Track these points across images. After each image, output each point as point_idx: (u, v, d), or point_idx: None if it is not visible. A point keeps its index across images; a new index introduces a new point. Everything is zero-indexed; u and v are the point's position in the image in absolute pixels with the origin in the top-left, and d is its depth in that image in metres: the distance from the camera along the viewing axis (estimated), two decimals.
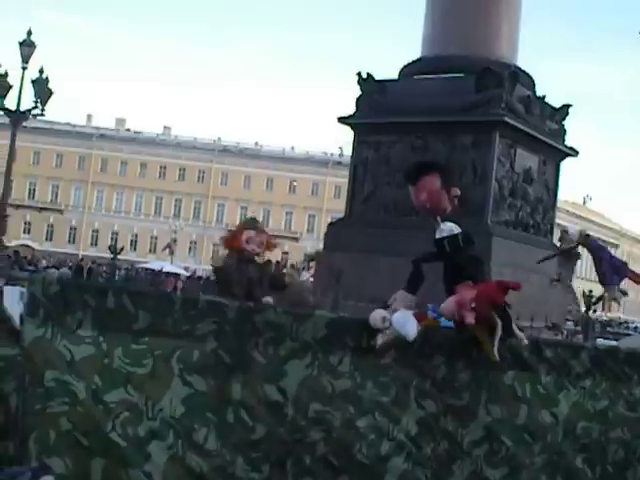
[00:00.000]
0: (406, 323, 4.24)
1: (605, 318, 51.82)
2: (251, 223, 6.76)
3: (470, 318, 4.33)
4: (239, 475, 3.93)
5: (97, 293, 3.85)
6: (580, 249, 6.27)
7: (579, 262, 21.91)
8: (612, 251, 5.83)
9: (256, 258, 6.48)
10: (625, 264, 6.19)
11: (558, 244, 6.09)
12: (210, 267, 6.42)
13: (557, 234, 25.86)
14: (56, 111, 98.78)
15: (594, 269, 6.01)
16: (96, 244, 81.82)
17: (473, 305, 4.35)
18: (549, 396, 4.53)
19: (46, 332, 3.73)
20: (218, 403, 3.92)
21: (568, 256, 6.13)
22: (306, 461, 4.04)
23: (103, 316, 3.79)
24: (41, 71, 23.39)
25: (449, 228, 4.83)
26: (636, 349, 5.19)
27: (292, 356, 4.04)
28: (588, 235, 6.13)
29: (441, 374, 4.32)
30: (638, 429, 4.75)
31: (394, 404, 4.19)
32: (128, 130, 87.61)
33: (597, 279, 6.02)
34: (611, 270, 5.96)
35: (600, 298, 7.71)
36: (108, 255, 50.15)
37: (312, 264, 21.16)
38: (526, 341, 4.41)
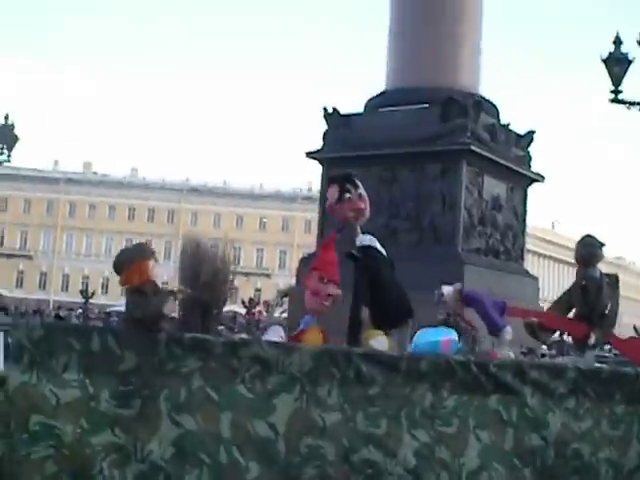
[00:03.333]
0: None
1: None
2: (151, 252, 6.34)
3: (332, 289, 4.49)
4: None
5: (82, 335, 3.83)
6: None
7: (541, 284, 22.01)
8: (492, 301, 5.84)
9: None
10: (504, 302, 6.28)
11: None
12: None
13: (528, 260, 25.80)
14: (23, 157, 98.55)
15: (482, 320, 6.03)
16: (67, 289, 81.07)
17: (325, 280, 4.49)
18: (537, 418, 4.51)
19: (31, 377, 3.71)
20: (209, 442, 3.86)
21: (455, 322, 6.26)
22: None
23: (89, 358, 3.78)
24: (6, 117, 23.45)
25: (361, 240, 5.09)
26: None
27: (280, 390, 3.99)
28: (461, 291, 6.17)
29: (428, 401, 4.29)
30: (623, 447, 4.76)
31: (388, 436, 4.14)
32: (95, 173, 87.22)
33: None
34: (497, 314, 6.01)
35: None
36: (80, 300, 49.78)
37: (285, 300, 21.10)
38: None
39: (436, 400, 4.30)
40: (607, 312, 7.26)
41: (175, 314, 5.60)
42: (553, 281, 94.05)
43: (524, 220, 20.11)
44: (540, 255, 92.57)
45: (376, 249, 5.17)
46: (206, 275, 5.41)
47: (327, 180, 5.40)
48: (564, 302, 7.66)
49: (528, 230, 21.91)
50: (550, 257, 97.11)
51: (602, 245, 7.58)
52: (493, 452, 4.36)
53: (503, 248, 19.08)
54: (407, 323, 5.34)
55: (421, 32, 19.15)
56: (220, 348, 3.96)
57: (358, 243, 5.14)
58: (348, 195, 5.19)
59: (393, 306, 5.16)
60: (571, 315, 7.59)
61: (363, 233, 5.26)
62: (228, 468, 3.87)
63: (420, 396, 4.27)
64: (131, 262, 5.95)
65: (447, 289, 6.02)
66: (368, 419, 4.12)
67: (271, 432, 3.95)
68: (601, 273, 7.52)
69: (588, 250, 7.45)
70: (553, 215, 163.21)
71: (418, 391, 4.27)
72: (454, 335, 5.12)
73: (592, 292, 7.27)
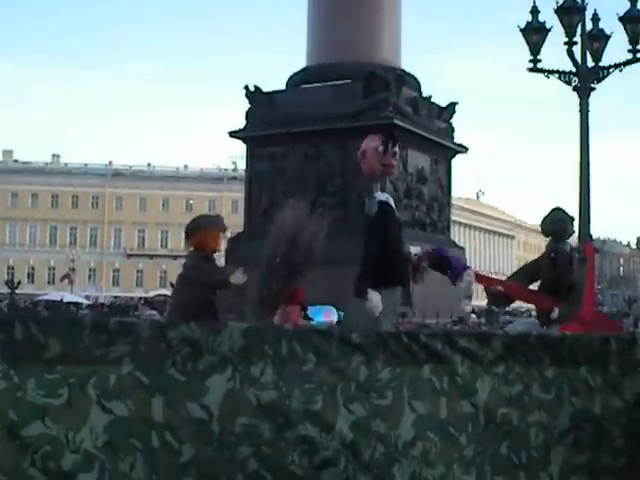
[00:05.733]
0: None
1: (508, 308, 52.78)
2: (224, 226, 6.56)
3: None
4: None
5: (3, 324, 3.74)
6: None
7: (468, 254, 22.35)
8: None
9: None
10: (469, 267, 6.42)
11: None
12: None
13: (454, 230, 26.16)
14: None
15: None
16: None
17: None
18: (466, 386, 4.56)
19: None
20: (141, 428, 3.79)
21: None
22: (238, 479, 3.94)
23: (12, 348, 3.69)
24: None
25: (379, 196, 5.42)
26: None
27: (212, 371, 3.95)
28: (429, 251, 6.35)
29: (363, 375, 4.30)
30: (554, 410, 4.83)
31: (324, 411, 4.14)
32: (16, 161, 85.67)
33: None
34: (459, 264, 6.19)
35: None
36: (5, 290, 48.92)
37: None
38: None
39: (371, 373, 4.30)
40: (575, 287, 7.29)
41: (244, 283, 5.88)
42: (479, 250, 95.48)
43: (449, 191, 20.31)
44: (466, 225, 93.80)
45: (391, 207, 5.47)
46: (304, 241, 5.70)
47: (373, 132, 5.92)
48: (529, 273, 7.69)
49: (453, 201, 22.15)
50: (475, 227, 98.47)
51: (572, 219, 7.66)
52: (428, 422, 4.40)
53: (429, 220, 19.24)
54: (398, 287, 5.68)
55: (340, 6, 19.14)
56: (148, 331, 3.89)
57: (375, 198, 5.44)
58: (383, 148, 5.60)
59: (392, 266, 5.44)
60: (534, 287, 7.63)
61: (382, 191, 5.55)
62: (161, 452, 3.82)
63: (354, 370, 4.27)
64: (206, 228, 6.20)
65: (415, 249, 6.27)
66: (304, 396, 4.11)
67: (205, 414, 3.91)
68: (571, 247, 7.61)
69: (560, 225, 7.49)
70: (477, 185, 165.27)
71: (352, 364, 4.27)
72: (333, 311, 5.49)
73: (562, 266, 7.31)
